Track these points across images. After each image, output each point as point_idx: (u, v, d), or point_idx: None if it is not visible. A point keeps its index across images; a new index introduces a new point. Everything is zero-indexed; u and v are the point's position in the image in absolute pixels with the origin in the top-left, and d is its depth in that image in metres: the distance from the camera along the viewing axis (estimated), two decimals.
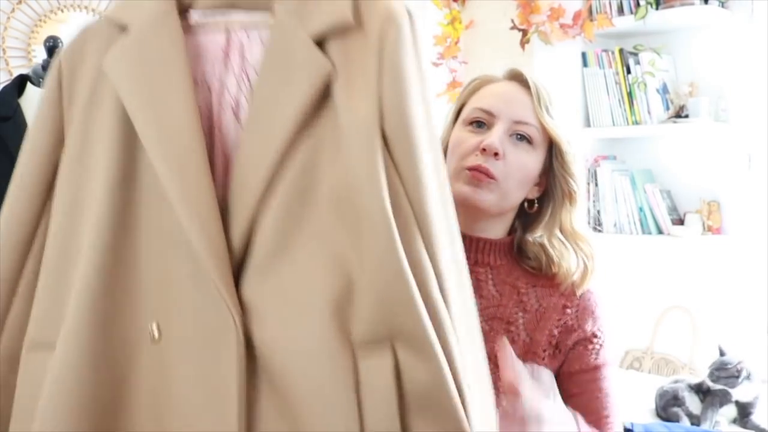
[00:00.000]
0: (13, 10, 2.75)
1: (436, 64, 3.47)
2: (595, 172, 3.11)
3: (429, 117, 0.84)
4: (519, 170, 1.12)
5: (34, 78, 1.80)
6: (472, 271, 1.10)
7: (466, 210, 1.09)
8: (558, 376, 1.12)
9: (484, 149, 1.10)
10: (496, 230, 1.17)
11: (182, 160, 0.80)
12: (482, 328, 1.09)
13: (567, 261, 1.14)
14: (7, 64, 2.72)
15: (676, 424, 2.10)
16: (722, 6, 2.86)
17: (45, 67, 1.81)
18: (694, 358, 2.94)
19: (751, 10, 2.84)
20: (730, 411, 2.20)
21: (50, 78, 0.90)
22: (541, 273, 1.16)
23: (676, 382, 2.29)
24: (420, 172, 0.80)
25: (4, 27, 2.73)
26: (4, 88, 1.82)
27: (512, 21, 3.25)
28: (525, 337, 1.12)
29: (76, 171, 0.86)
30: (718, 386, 2.18)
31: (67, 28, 2.81)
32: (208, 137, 0.85)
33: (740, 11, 2.85)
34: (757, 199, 2.84)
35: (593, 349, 1.14)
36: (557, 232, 1.15)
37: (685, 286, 3.01)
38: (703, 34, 2.95)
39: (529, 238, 1.18)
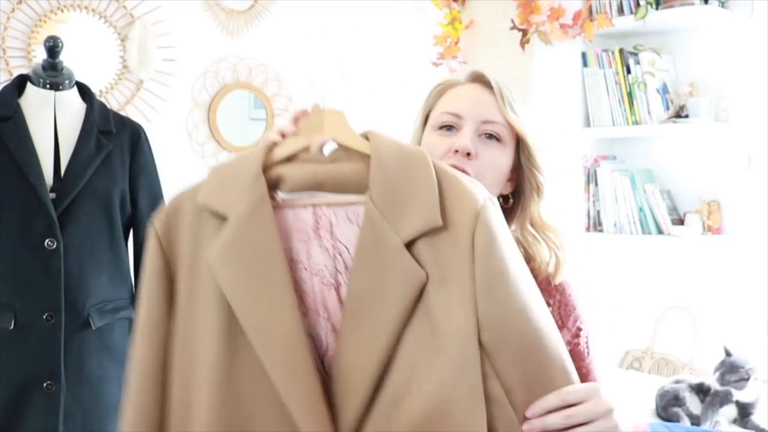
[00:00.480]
0: (13, 10, 2.75)
1: (436, 64, 3.48)
2: (595, 172, 3.11)
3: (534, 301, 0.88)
4: (492, 168, 1.15)
5: (34, 78, 1.80)
6: None
7: None
8: None
9: (457, 150, 1.13)
10: None
11: (286, 354, 0.86)
12: None
13: (540, 254, 1.17)
14: (7, 64, 2.72)
15: (676, 424, 2.10)
16: (722, 6, 2.86)
17: (45, 67, 1.81)
18: (694, 358, 2.94)
19: (751, 10, 2.84)
20: (730, 411, 2.20)
21: (151, 250, 0.94)
22: None
23: (677, 382, 2.29)
24: (524, 378, 0.84)
25: (4, 27, 2.73)
26: (4, 88, 1.82)
27: (512, 21, 3.25)
28: None
29: (185, 356, 0.91)
30: (722, 388, 2.18)
31: (67, 28, 2.81)
32: (315, 315, 0.91)
33: (740, 11, 2.85)
34: (757, 199, 2.84)
35: (583, 343, 1.18)
36: (528, 226, 1.19)
37: (685, 286, 3.01)
38: (703, 34, 2.95)
39: None
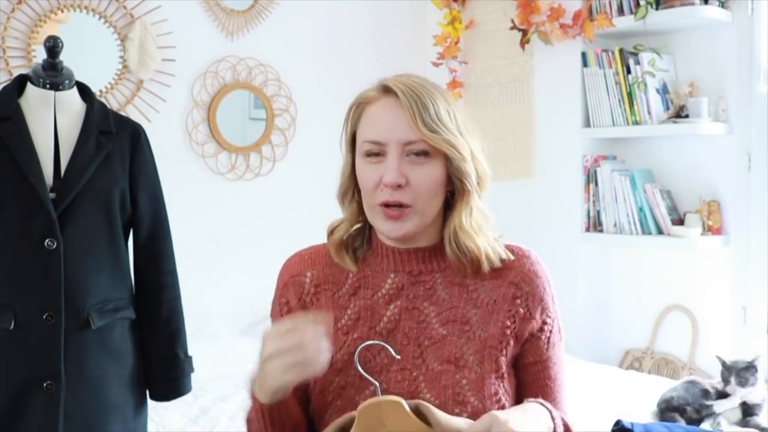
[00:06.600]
0: (13, 10, 2.75)
1: (436, 64, 3.48)
2: (595, 172, 3.12)
3: None
4: (426, 187, 1.15)
5: (34, 78, 1.79)
6: (419, 282, 1.16)
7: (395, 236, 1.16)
8: (513, 366, 1.18)
9: (386, 185, 1.13)
10: (428, 237, 1.20)
11: None
12: (439, 334, 1.14)
13: (482, 247, 1.17)
14: (7, 64, 2.72)
15: (676, 423, 2.11)
16: (722, 6, 2.86)
17: (45, 67, 1.81)
18: (694, 358, 2.94)
19: (751, 10, 2.84)
20: (734, 414, 2.20)
21: None
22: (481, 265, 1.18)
23: (686, 388, 2.26)
24: None
25: (4, 27, 2.73)
26: (4, 88, 1.82)
27: (512, 21, 3.25)
28: (481, 333, 1.15)
29: None
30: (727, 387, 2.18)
31: (67, 28, 2.81)
32: None
33: (740, 11, 2.86)
34: (757, 199, 2.84)
35: (545, 338, 1.18)
36: (457, 225, 1.18)
37: (685, 286, 3.01)
38: (703, 34, 2.95)
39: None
